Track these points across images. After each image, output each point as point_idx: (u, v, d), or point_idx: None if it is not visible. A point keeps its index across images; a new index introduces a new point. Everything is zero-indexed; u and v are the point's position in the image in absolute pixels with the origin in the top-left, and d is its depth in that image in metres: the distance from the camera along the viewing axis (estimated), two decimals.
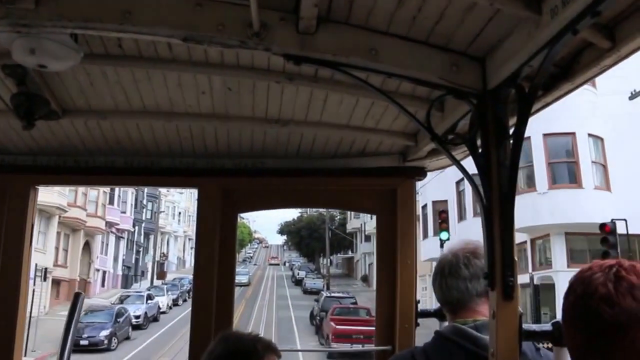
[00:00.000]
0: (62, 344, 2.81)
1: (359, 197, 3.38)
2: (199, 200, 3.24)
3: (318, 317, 30.53)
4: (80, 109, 2.72)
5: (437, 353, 1.86)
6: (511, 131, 1.79)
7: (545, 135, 21.43)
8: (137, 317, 30.94)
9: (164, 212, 66.91)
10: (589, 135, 21.88)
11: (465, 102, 1.91)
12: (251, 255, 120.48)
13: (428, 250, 32.94)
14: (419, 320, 2.93)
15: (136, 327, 30.31)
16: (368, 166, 3.25)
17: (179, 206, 75.06)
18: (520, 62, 1.65)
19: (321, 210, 73.92)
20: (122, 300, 33.60)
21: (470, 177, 1.97)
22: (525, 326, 1.75)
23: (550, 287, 21.75)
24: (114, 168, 3.25)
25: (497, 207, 1.76)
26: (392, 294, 3.10)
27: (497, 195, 1.76)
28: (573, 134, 21.75)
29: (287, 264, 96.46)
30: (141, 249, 59.63)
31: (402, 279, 3.09)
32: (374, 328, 3.23)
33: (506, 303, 1.70)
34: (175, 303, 42.08)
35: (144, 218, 59.90)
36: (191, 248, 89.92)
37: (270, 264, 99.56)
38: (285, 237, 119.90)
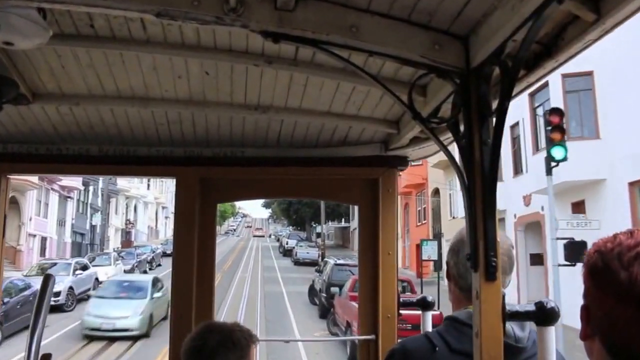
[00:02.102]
0: (30, 333, 2.65)
1: (341, 188, 3.32)
2: (177, 190, 3.12)
3: (324, 295, 21.03)
4: (51, 93, 2.60)
5: (454, 336, 1.84)
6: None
7: None
8: (57, 294, 21.17)
9: None
10: None
11: (448, 81, 1.84)
12: (234, 227, 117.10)
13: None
14: None
15: (55, 309, 20.63)
16: (350, 155, 3.17)
17: None
18: (505, 37, 1.60)
19: None
20: (43, 270, 23.75)
21: (453, 158, 1.85)
22: (509, 306, 1.74)
23: None
24: (88, 157, 3.10)
25: (479, 188, 1.72)
26: (374, 286, 3.10)
27: (479, 175, 1.72)
28: None
29: (272, 236, 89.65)
30: (98, 214, 49.53)
31: (384, 271, 3.09)
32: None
33: (489, 284, 1.70)
34: None
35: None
36: (165, 217, 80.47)
37: (255, 236, 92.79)
38: (270, 210, 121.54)
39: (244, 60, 2.22)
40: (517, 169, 22.85)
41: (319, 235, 59.77)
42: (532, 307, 1.79)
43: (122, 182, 55.22)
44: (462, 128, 1.80)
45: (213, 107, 2.69)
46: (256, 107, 2.68)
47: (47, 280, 2.80)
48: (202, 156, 3.11)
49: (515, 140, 22.79)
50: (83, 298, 23.56)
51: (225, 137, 3.09)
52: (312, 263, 42.95)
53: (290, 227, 77.04)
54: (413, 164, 3.36)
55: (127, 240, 53.68)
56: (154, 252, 39.51)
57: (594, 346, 1.11)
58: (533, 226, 21.89)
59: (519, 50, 1.56)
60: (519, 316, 1.79)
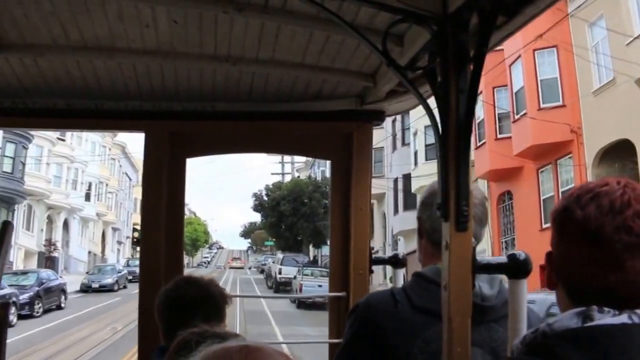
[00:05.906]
0: None
1: (314, 142, 3.35)
2: (145, 144, 3.12)
3: None
4: (14, 43, 2.53)
5: (418, 293, 1.83)
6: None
7: None
8: None
9: (53, 166, 39.10)
10: None
11: (425, 28, 1.84)
12: (208, 260, 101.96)
13: None
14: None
15: None
16: (324, 110, 3.14)
17: (87, 172, 46.92)
18: None
19: (313, 173, 50.58)
20: None
21: (430, 110, 1.88)
22: (479, 258, 1.73)
23: None
24: (55, 110, 3.06)
25: (453, 136, 1.73)
26: (345, 242, 3.12)
27: (453, 122, 1.73)
28: None
29: (252, 268, 72.26)
30: None
31: (356, 227, 3.09)
32: None
33: (460, 234, 1.69)
34: None
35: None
36: (118, 243, 62.30)
37: (232, 268, 74.55)
38: (249, 240, 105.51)
39: (213, 8, 2.19)
40: None
41: (314, 261, 42.22)
42: (504, 259, 1.75)
43: (37, 182, 37.63)
44: (439, 78, 1.79)
45: (182, 59, 2.68)
46: (227, 58, 2.66)
47: (6, 227, 2.76)
48: (172, 110, 3.09)
49: None
50: None
51: (196, 91, 3.05)
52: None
53: (279, 251, 58.66)
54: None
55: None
56: (41, 284, 21.31)
57: (559, 293, 1.12)
58: None
59: None
60: (491, 268, 1.80)
